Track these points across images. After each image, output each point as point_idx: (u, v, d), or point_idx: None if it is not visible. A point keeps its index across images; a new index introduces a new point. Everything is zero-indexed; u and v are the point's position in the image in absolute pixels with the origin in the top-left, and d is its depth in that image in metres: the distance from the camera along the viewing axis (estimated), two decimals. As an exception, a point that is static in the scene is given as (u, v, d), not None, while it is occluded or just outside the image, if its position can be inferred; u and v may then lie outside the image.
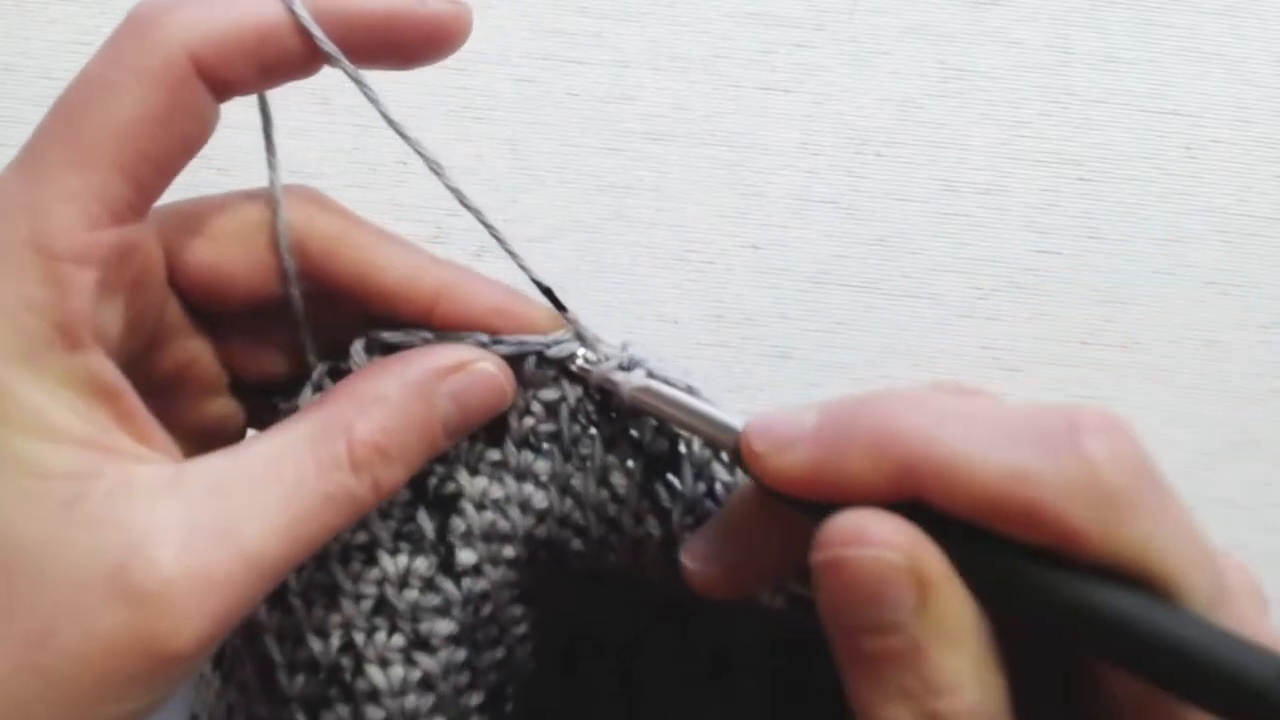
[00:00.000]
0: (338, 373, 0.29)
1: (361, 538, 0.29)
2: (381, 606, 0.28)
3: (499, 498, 0.30)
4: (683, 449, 0.29)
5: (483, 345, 0.29)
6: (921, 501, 0.22)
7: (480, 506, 0.29)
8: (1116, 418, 0.22)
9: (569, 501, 0.30)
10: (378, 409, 0.26)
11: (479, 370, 0.28)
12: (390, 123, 0.28)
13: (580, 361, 0.29)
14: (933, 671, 0.22)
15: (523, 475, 0.30)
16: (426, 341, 0.29)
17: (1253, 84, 0.58)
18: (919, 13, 0.59)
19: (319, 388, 0.29)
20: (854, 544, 0.22)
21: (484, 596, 0.30)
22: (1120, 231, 0.56)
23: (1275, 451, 0.54)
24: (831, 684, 0.24)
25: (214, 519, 0.24)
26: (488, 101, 0.53)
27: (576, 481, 0.30)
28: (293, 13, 0.25)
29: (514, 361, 0.29)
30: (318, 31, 0.25)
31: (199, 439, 0.30)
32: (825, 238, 0.55)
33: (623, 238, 0.54)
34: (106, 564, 0.22)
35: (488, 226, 0.29)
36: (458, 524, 0.29)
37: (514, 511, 0.30)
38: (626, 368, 0.29)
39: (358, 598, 0.28)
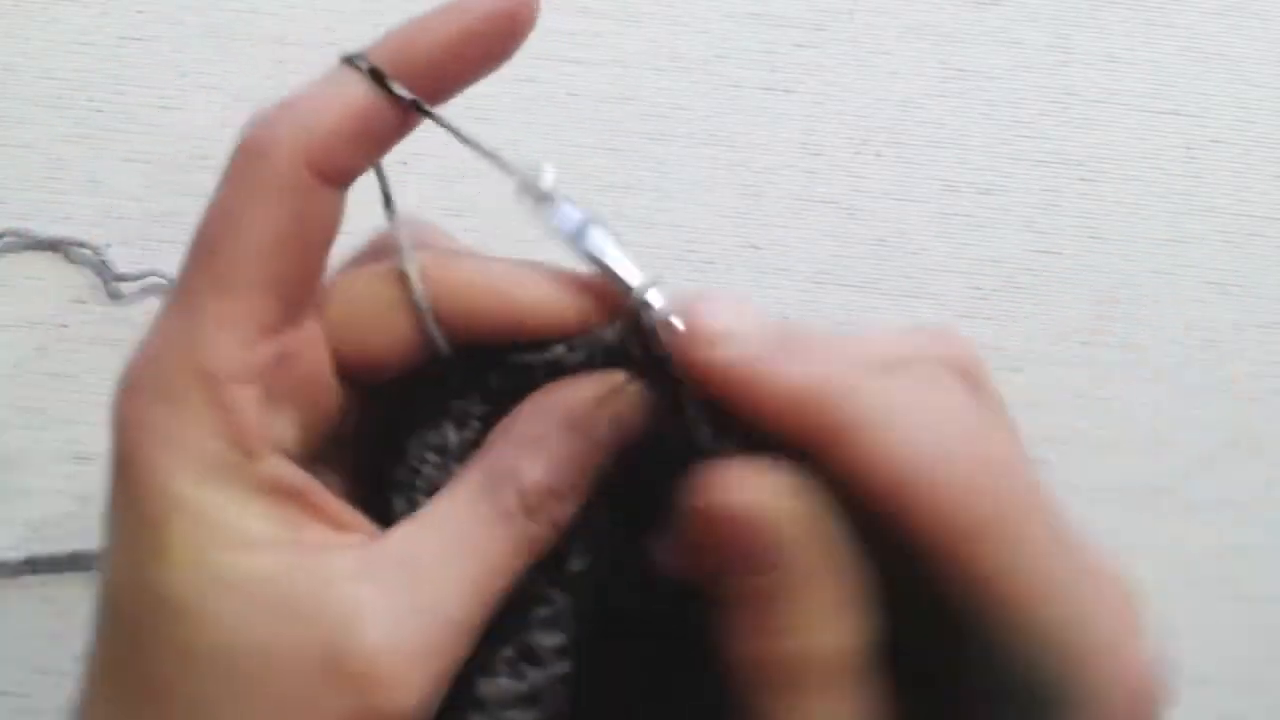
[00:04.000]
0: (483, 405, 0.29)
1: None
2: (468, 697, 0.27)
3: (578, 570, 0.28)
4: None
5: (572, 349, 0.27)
6: (816, 460, 0.22)
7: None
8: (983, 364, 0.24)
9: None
10: (540, 450, 0.26)
11: (633, 390, 0.27)
12: (488, 155, 0.28)
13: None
14: (791, 611, 0.22)
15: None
16: (563, 352, 0.27)
17: (1253, 84, 0.59)
18: (919, 13, 0.59)
19: (461, 425, 0.28)
20: (734, 491, 0.22)
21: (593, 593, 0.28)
22: (1120, 231, 0.56)
23: (1275, 451, 0.54)
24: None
25: (413, 593, 0.24)
26: (488, 102, 0.53)
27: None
28: (367, 75, 0.26)
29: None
30: (410, 95, 0.26)
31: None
32: (825, 238, 0.55)
33: (622, 237, 0.54)
34: (320, 653, 0.23)
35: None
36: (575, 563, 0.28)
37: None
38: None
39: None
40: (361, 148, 0.26)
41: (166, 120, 0.54)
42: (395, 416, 0.30)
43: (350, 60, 0.26)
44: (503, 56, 0.28)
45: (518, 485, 0.26)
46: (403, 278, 0.28)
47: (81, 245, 0.52)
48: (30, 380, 0.50)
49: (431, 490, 0.28)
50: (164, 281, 0.52)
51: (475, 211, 0.51)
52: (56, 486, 0.49)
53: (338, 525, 0.26)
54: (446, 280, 0.28)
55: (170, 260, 0.52)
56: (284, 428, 0.26)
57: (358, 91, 0.26)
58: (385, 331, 0.28)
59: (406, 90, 0.26)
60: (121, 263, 0.52)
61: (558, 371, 0.27)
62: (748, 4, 0.58)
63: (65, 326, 0.51)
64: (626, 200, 0.54)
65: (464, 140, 0.28)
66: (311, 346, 0.27)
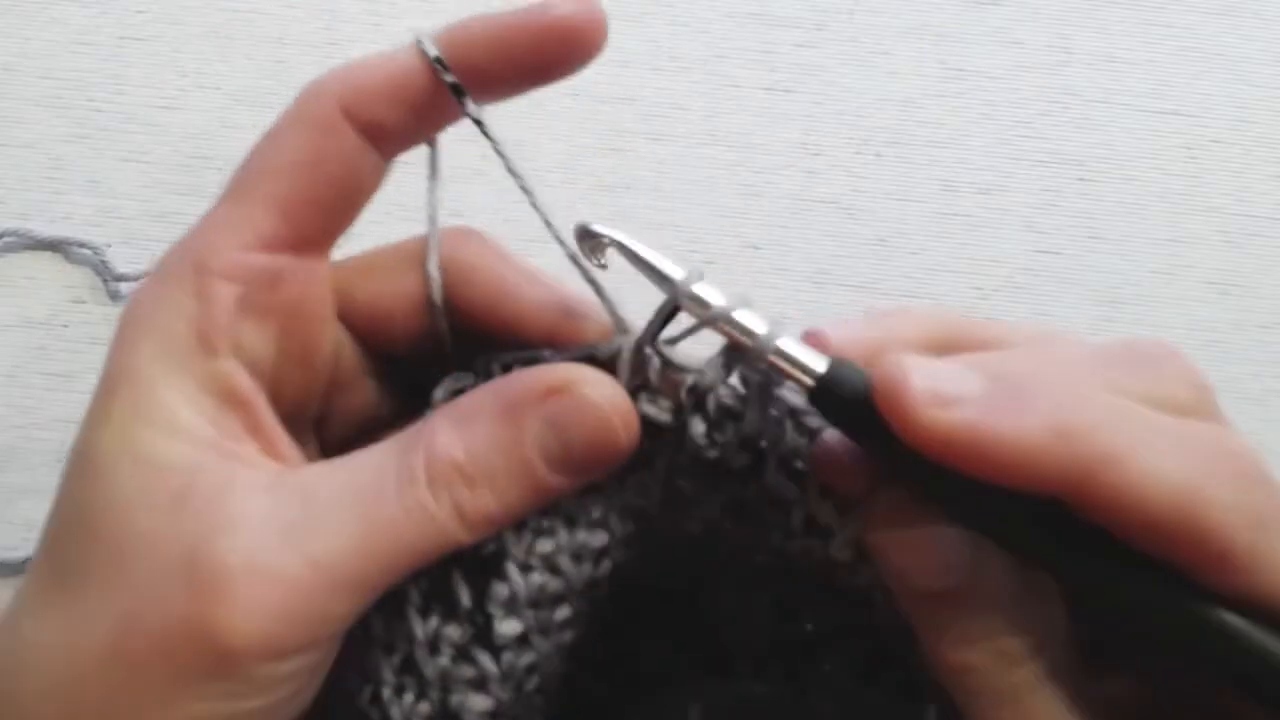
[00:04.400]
0: (459, 394, 0.28)
1: (398, 590, 0.26)
2: (409, 666, 0.26)
3: (548, 551, 0.27)
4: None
5: (591, 356, 0.27)
6: (1066, 500, 0.22)
7: (526, 568, 0.26)
8: (1241, 438, 0.24)
9: (629, 523, 0.27)
10: (464, 426, 0.25)
11: (581, 396, 0.25)
12: (514, 175, 0.28)
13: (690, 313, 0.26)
14: (995, 615, 0.23)
15: (573, 521, 0.27)
16: (551, 357, 0.27)
17: (1253, 84, 0.59)
18: (919, 13, 0.59)
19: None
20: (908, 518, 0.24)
21: (530, 670, 0.27)
22: (1120, 231, 0.56)
23: (1275, 451, 0.54)
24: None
25: (292, 522, 0.24)
26: (488, 101, 0.53)
27: (639, 500, 0.27)
28: (422, 52, 0.27)
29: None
30: (447, 76, 0.27)
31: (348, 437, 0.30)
32: (825, 238, 0.55)
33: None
34: (183, 552, 0.24)
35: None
36: (499, 590, 0.26)
37: (566, 563, 0.27)
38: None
39: (389, 649, 0.26)
40: (397, 110, 0.27)
41: (166, 120, 0.54)
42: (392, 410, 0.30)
43: (419, 42, 0.27)
44: (561, 70, 0.28)
45: (428, 452, 0.25)
46: (424, 247, 0.29)
47: (81, 245, 0.52)
48: (30, 380, 0.50)
49: None
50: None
51: (476, 211, 0.51)
52: (57, 486, 0.49)
53: (268, 448, 0.26)
54: (456, 251, 0.29)
55: (170, 260, 0.52)
56: (256, 341, 0.26)
57: (407, 61, 0.27)
58: (396, 288, 0.29)
59: (452, 76, 0.27)
60: (121, 263, 0.52)
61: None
62: (748, 4, 0.58)
63: (65, 326, 0.51)
64: (626, 200, 0.54)
65: (500, 153, 0.28)
66: (311, 280, 0.28)
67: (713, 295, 0.26)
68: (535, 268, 0.29)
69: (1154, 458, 0.21)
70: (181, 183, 0.53)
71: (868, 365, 0.24)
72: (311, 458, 0.29)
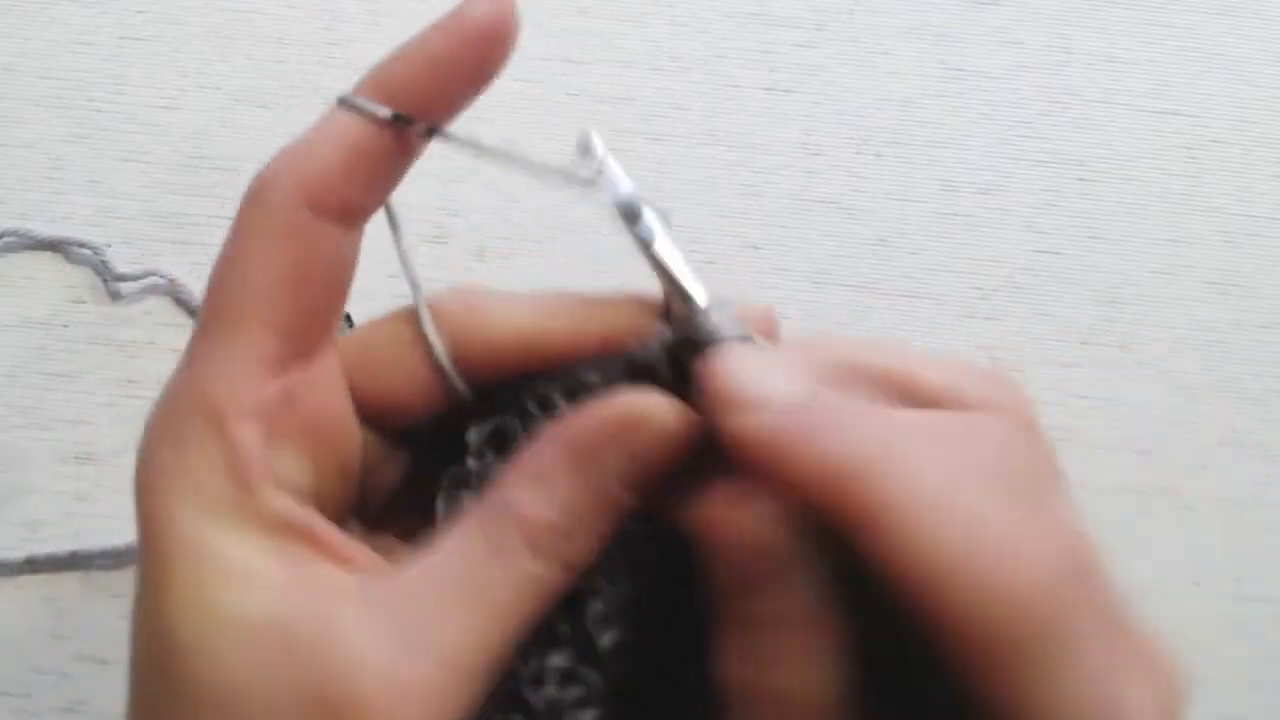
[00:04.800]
0: (498, 435, 0.27)
1: None
2: (514, 703, 0.26)
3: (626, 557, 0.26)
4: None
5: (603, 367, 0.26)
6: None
7: (612, 579, 0.26)
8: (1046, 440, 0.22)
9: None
10: (546, 484, 0.25)
11: (654, 426, 0.25)
12: (493, 154, 0.28)
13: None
14: (778, 645, 0.22)
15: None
16: (586, 368, 0.26)
17: (1253, 84, 0.59)
18: (919, 13, 0.59)
19: (480, 455, 0.28)
20: (739, 505, 0.22)
21: (618, 653, 0.27)
22: (1120, 231, 0.56)
23: (1275, 452, 0.54)
24: None
25: (405, 629, 0.24)
26: (488, 101, 0.53)
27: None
28: (353, 108, 0.26)
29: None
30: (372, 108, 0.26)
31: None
32: (825, 238, 0.55)
33: (623, 238, 0.54)
34: (315, 694, 0.23)
35: None
36: (595, 607, 0.26)
37: (640, 557, 0.26)
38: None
39: (492, 691, 0.26)
40: (362, 179, 0.26)
41: (166, 120, 0.54)
42: (424, 464, 0.29)
43: (341, 99, 0.26)
44: (489, 71, 0.27)
45: (518, 520, 0.25)
46: (414, 315, 0.27)
47: (81, 245, 0.52)
48: (30, 380, 0.50)
49: None
50: (163, 281, 0.52)
51: (476, 211, 0.51)
52: (56, 486, 0.49)
53: (342, 561, 0.25)
54: (469, 317, 0.28)
55: (170, 260, 0.52)
56: (291, 466, 0.26)
57: (349, 124, 0.26)
58: (402, 371, 0.28)
59: (388, 110, 0.26)
60: (121, 263, 0.52)
61: (578, 394, 0.26)
62: (748, 4, 0.58)
63: (65, 326, 0.51)
64: (626, 200, 0.54)
65: (465, 145, 0.27)
66: (325, 385, 0.27)
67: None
68: (531, 292, 0.28)
69: (932, 532, 0.20)
70: (181, 183, 0.53)
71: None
72: (364, 543, 0.28)
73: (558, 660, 0.26)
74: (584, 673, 0.26)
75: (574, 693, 0.26)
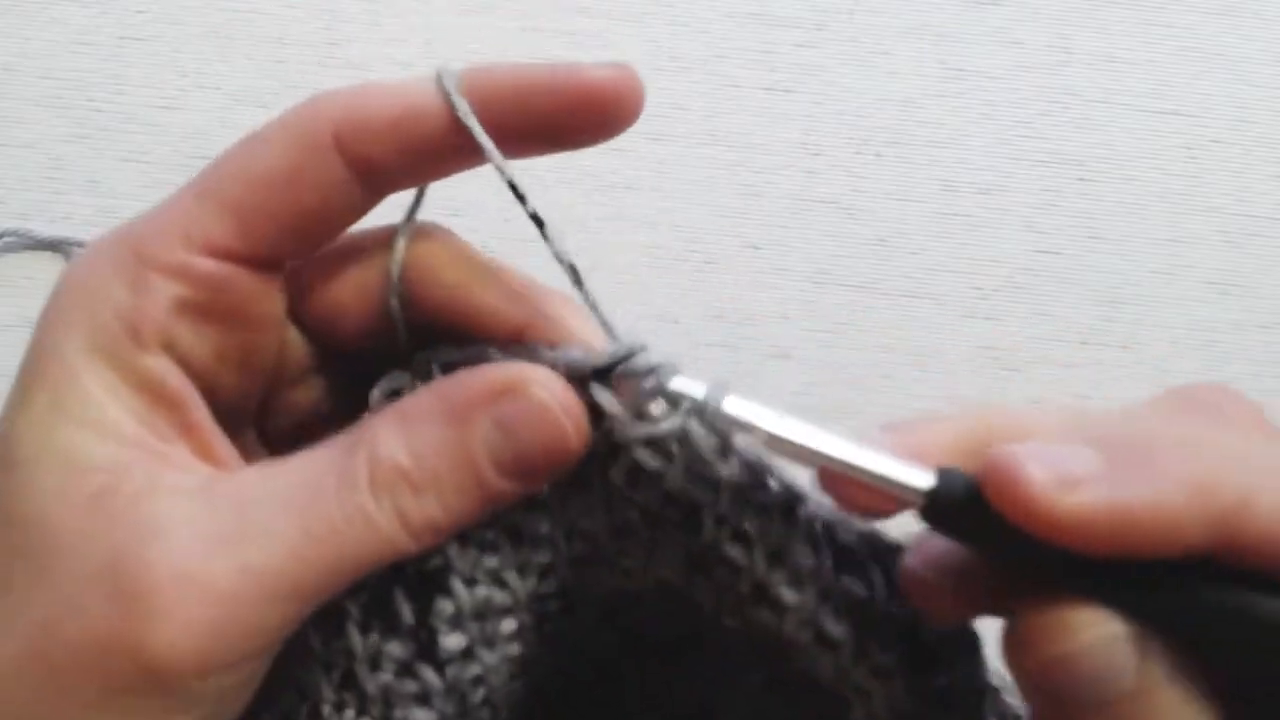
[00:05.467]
0: (396, 395, 0.26)
1: (335, 607, 0.25)
2: (350, 682, 0.25)
3: (493, 567, 0.26)
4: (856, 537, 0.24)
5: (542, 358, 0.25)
6: (1219, 557, 0.21)
7: (471, 582, 0.25)
8: None
9: (580, 544, 0.26)
10: (409, 428, 0.24)
11: (532, 397, 0.24)
12: (540, 228, 0.26)
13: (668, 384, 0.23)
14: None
15: (518, 535, 0.26)
16: (498, 356, 0.25)
17: (1253, 84, 0.59)
18: (919, 13, 0.59)
19: (388, 397, 0.27)
20: (1072, 633, 0.21)
21: (476, 681, 0.26)
22: (1120, 231, 0.56)
23: (1275, 451, 0.54)
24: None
25: (224, 528, 0.23)
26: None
27: (587, 523, 0.26)
28: (440, 88, 0.25)
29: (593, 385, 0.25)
30: (465, 110, 0.24)
31: (293, 432, 0.29)
32: (825, 238, 0.55)
33: (623, 238, 0.54)
34: (106, 558, 0.22)
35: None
36: (444, 606, 0.25)
37: (512, 578, 0.26)
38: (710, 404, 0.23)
39: (328, 666, 0.25)
40: (395, 151, 0.25)
41: (166, 120, 0.54)
42: (341, 405, 0.29)
43: (439, 72, 0.25)
44: (587, 139, 0.26)
45: (369, 455, 0.24)
46: (392, 239, 0.27)
47: (81, 245, 0.52)
48: (30, 380, 0.50)
49: None
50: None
51: (475, 211, 0.51)
52: None
53: (201, 449, 0.25)
54: (418, 248, 0.27)
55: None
56: (194, 341, 0.25)
57: (420, 100, 0.25)
58: (353, 282, 0.27)
59: (469, 108, 0.25)
60: (121, 263, 0.52)
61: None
62: (748, 4, 0.58)
63: (65, 326, 0.51)
64: (626, 200, 0.54)
65: (513, 189, 0.26)
66: (259, 295, 0.26)
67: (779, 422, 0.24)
68: (505, 266, 0.27)
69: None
70: (181, 183, 0.53)
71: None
72: (251, 454, 0.27)
73: (396, 649, 0.25)
74: (421, 669, 0.25)
75: (409, 687, 0.25)
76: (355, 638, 0.25)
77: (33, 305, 0.26)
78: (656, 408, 0.25)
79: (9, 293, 0.51)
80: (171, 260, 0.25)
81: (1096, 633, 0.21)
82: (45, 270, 0.52)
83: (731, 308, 0.54)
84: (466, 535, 0.25)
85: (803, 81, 0.57)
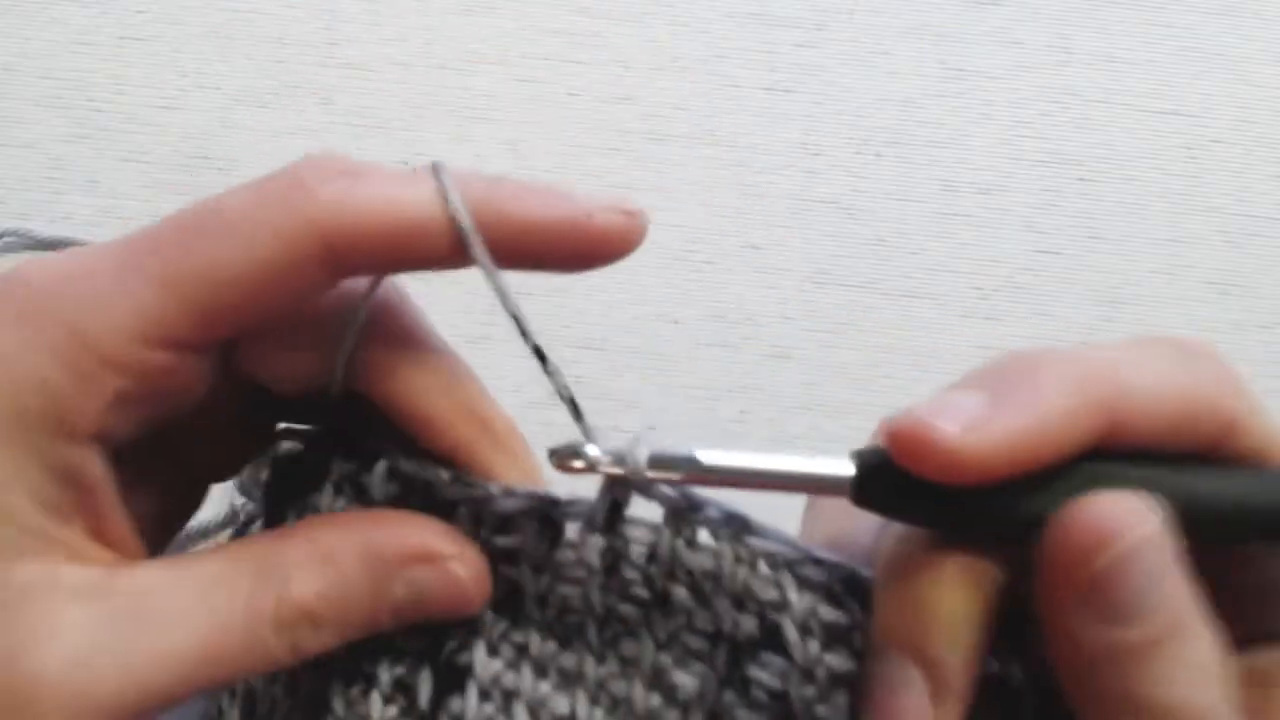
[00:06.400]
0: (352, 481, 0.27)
1: (368, 667, 0.26)
2: None
3: (510, 689, 0.26)
4: (778, 603, 0.24)
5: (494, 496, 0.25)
6: (1102, 444, 0.22)
7: (485, 696, 0.26)
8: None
9: (600, 713, 0.26)
10: (323, 571, 0.25)
11: (449, 572, 0.25)
12: (521, 329, 0.25)
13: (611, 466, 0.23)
14: (1198, 646, 0.21)
15: (542, 669, 0.26)
16: (443, 482, 0.25)
17: (1253, 84, 0.59)
18: (919, 13, 0.59)
19: (337, 491, 0.27)
20: (1119, 539, 0.21)
21: None
22: (1120, 231, 0.56)
23: (1275, 451, 0.54)
24: None
25: (120, 636, 0.23)
26: (488, 101, 0.53)
27: (618, 687, 0.26)
28: (451, 217, 0.24)
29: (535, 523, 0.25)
30: (478, 245, 0.24)
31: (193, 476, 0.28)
32: (825, 238, 0.55)
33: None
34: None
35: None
36: (455, 704, 0.26)
37: (520, 713, 0.26)
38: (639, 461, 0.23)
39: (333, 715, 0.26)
40: (387, 260, 0.24)
41: (166, 120, 0.54)
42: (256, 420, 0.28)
43: (435, 167, 0.24)
44: (586, 268, 0.25)
45: (280, 594, 0.24)
46: (353, 317, 0.26)
47: (81, 246, 0.52)
48: (30, 380, 0.50)
49: None
50: (164, 281, 0.52)
51: (475, 211, 0.51)
52: None
53: (100, 532, 0.24)
54: (382, 338, 0.26)
55: (170, 260, 0.52)
56: (118, 425, 0.24)
57: (421, 200, 0.24)
58: (312, 362, 0.26)
59: (470, 219, 0.24)
60: (121, 263, 0.52)
61: (424, 490, 0.26)
62: (748, 4, 0.58)
63: (65, 326, 0.51)
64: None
65: (516, 320, 0.25)
66: (197, 370, 0.25)
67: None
68: (462, 366, 0.27)
69: (1148, 375, 0.22)
70: (181, 183, 0.53)
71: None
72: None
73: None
74: None
75: None
76: (376, 704, 0.26)
77: (33, 306, 0.26)
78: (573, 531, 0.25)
79: (9, 293, 0.51)
80: (123, 355, 0.23)
81: (1154, 521, 0.21)
82: (45, 270, 0.52)
83: (731, 308, 0.54)
84: (496, 646, 0.26)
85: (803, 81, 0.57)
